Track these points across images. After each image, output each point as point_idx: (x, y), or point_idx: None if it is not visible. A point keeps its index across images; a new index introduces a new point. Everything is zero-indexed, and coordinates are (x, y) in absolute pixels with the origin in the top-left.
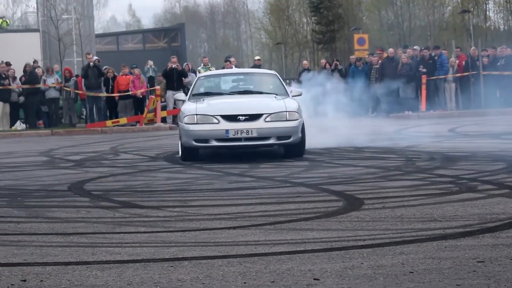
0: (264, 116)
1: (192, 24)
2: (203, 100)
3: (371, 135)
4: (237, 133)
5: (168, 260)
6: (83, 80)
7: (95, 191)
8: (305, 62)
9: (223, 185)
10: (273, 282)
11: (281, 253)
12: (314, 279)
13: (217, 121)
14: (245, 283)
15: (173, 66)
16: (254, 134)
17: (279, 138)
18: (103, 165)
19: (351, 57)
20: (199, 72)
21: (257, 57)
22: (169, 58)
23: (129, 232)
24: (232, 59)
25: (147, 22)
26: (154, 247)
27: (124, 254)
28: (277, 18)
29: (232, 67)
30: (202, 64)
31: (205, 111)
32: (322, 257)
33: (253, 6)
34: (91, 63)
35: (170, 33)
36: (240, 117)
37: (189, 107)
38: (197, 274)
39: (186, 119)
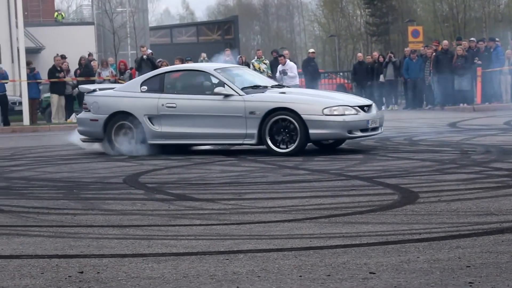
0: (373, 106)
1: (246, 16)
2: (283, 91)
3: (426, 128)
4: (372, 123)
5: (223, 253)
6: (137, 73)
7: (150, 184)
8: (359, 54)
9: (277, 178)
10: (329, 275)
11: (336, 247)
12: (370, 272)
13: (356, 112)
14: (300, 276)
15: (227, 59)
16: (377, 124)
17: (382, 127)
18: (158, 158)
19: (405, 49)
20: (253, 65)
21: (311, 50)
22: (223, 50)
23: (184, 225)
24: (286, 52)
25: (201, 15)
26: (209, 239)
27: (179, 247)
28: (330, 10)
29: (286, 62)
30: (256, 57)
31: (343, 103)
32: (378, 251)
33: None
34: (145, 56)
35: (224, 26)
36: (366, 107)
37: (323, 100)
38: (253, 267)
39: (328, 111)
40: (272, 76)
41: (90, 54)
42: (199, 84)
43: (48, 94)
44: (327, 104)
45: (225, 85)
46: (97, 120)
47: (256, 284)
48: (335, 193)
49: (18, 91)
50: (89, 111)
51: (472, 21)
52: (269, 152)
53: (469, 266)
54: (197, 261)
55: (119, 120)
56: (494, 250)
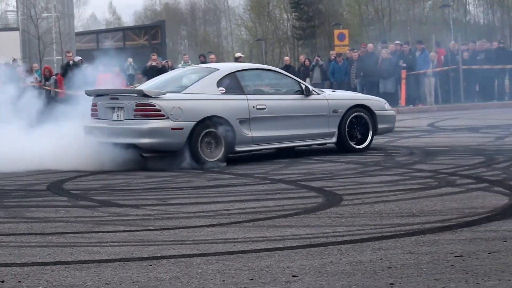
0: None
1: (173, 21)
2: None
3: None
4: None
5: (146, 259)
6: (63, 79)
7: (74, 190)
8: (286, 58)
9: (202, 183)
10: (252, 279)
11: (260, 250)
12: (293, 276)
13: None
14: (223, 281)
15: (153, 64)
16: None
17: None
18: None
19: (331, 52)
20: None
21: (238, 54)
22: (149, 55)
23: (108, 231)
24: (212, 56)
25: (128, 20)
26: (133, 246)
27: (102, 254)
28: (257, 14)
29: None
30: (182, 62)
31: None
32: (301, 254)
33: (233, 2)
34: (71, 62)
35: (150, 31)
36: None
37: (376, 97)
38: (176, 273)
39: (387, 106)
40: None
41: (14, 60)
42: (274, 83)
43: None
44: (384, 101)
45: (301, 84)
46: (181, 128)
47: None
48: (259, 197)
49: None
50: (164, 118)
51: (398, 24)
52: (342, 150)
53: (391, 267)
54: (120, 268)
55: (207, 127)
56: (415, 251)
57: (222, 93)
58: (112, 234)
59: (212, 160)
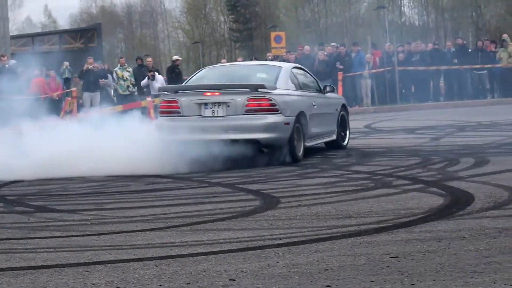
0: None
1: (109, 24)
2: None
3: None
4: None
5: (83, 265)
6: None
7: (9, 196)
8: (223, 60)
9: (139, 187)
10: (189, 284)
11: (197, 254)
12: (230, 279)
13: None
14: (160, 285)
15: (90, 67)
16: None
17: None
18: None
19: (268, 54)
20: (116, 73)
21: (175, 57)
22: (85, 59)
23: (44, 237)
24: (149, 59)
25: (64, 23)
26: (69, 251)
27: (38, 260)
28: (194, 17)
29: (157, 76)
30: (119, 65)
31: None
32: (238, 257)
33: (170, 5)
34: (6, 65)
35: (87, 34)
36: None
37: None
38: (112, 278)
39: None
40: (136, 84)
41: None
42: (307, 82)
43: None
44: None
45: (318, 82)
46: (289, 123)
47: None
48: (197, 201)
49: None
50: (278, 113)
51: (334, 26)
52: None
53: (327, 269)
54: (56, 274)
55: (298, 121)
56: (352, 252)
57: (292, 89)
58: (48, 240)
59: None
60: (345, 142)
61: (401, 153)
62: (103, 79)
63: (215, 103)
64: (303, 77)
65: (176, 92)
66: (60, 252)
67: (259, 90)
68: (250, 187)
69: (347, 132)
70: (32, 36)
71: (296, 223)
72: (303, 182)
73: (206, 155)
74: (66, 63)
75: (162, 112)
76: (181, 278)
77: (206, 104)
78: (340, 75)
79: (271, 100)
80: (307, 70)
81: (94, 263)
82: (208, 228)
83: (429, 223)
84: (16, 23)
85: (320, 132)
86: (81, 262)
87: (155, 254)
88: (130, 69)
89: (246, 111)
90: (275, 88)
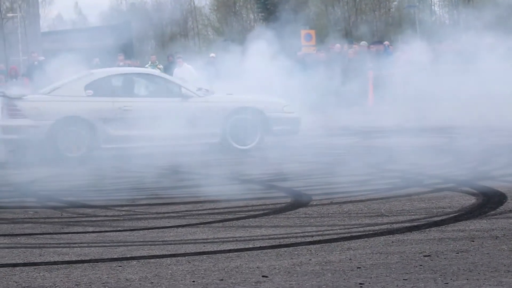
0: None
1: (139, 21)
2: None
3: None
4: None
5: (116, 260)
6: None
7: (42, 191)
8: (212, 54)
9: (171, 183)
10: (222, 280)
11: (229, 251)
12: (263, 276)
13: None
14: (193, 281)
15: (121, 64)
16: None
17: None
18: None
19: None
20: None
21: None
22: (116, 56)
23: (77, 232)
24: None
25: (94, 20)
26: (102, 247)
27: (72, 255)
28: (224, 15)
29: (183, 64)
30: (149, 62)
31: None
32: (271, 254)
33: (200, 2)
34: (36, 62)
35: (117, 31)
36: None
37: None
38: (146, 274)
39: None
40: None
41: None
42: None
43: None
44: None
45: None
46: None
47: None
48: (229, 197)
49: None
50: None
51: (364, 23)
52: None
53: (360, 267)
54: (90, 269)
55: None
56: (384, 251)
57: None
58: (81, 235)
59: None
60: (247, 146)
61: (431, 152)
62: None
63: None
64: (137, 83)
65: None
66: (94, 247)
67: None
68: (282, 184)
69: (256, 137)
70: (63, 33)
71: (328, 220)
72: (335, 179)
73: None
74: (97, 60)
75: None
76: (214, 274)
77: None
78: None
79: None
80: (160, 76)
81: (127, 259)
82: (240, 225)
83: (462, 222)
84: (47, 20)
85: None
86: (114, 257)
87: (188, 250)
88: (161, 66)
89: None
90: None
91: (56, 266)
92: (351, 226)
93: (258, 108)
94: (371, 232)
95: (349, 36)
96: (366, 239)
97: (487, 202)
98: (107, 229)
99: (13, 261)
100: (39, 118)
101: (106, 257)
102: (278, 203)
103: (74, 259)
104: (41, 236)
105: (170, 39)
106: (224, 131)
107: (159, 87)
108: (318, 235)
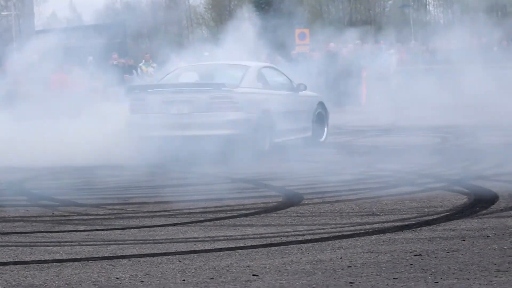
0: None
1: (134, 20)
2: None
3: None
4: None
5: (107, 259)
6: None
7: (34, 190)
8: (206, 53)
9: (163, 182)
10: (212, 279)
11: (220, 250)
12: (253, 275)
13: None
14: (184, 280)
15: (114, 63)
16: None
17: None
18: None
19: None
20: (140, 69)
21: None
22: (110, 54)
23: (68, 231)
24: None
25: (88, 18)
26: (93, 245)
27: (62, 253)
28: (218, 14)
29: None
30: (143, 60)
31: None
32: (261, 253)
33: (194, 1)
34: None
35: (111, 29)
36: None
37: None
38: (136, 272)
39: None
40: None
41: None
42: (285, 80)
43: None
44: None
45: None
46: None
47: None
48: (220, 196)
49: None
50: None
51: (358, 23)
52: None
53: (350, 266)
54: (80, 267)
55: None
56: (375, 250)
57: None
58: (72, 233)
59: None
60: (322, 139)
61: (423, 151)
62: (127, 75)
63: (181, 101)
64: (274, 76)
65: (145, 90)
66: (84, 245)
67: (222, 89)
68: (273, 183)
69: (325, 129)
70: (57, 31)
71: (319, 219)
72: (326, 178)
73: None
74: (90, 58)
75: (131, 110)
76: (204, 273)
77: (172, 102)
78: (364, 73)
79: (232, 98)
80: (278, 69)
81: (118, 257)
82: (231, 224)
83: (453, 222)
84: (42, 18)
85: (291, 128)
86: (105, 256)
87: (179, 249)
88: (155, 65)
89: (209, 109)
90: (237, 87)
91: (46, 264)
92: (342, 225)
93: (324, 103)
94: (362, 231)
95: (344, 35)
96: (357, 238)
97: (479, 202)
98: (98, 227)
99: (4, 260)
100: (250, 111)
101: (96, 256)
102: (269, 202)
103: (64, 258)
104: (32, 234)
105: (164, 37)
106: (312, 125)
107: (282, 81)
108: (309, 234)
